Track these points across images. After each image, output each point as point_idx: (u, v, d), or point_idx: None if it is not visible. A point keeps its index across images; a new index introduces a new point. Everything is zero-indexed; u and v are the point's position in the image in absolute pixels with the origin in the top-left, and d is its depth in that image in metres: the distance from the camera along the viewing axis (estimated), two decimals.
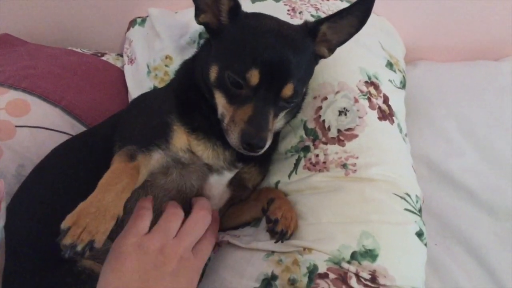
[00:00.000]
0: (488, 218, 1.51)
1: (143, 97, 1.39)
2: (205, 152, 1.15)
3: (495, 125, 1.65)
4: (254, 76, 1.01)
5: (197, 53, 1.31)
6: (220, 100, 1.09)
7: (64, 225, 0.85)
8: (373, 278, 1.06)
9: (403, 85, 1.50)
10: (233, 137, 1.04)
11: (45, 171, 1.26)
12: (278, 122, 1.17)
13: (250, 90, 1.03)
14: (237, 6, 1.12)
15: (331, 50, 1.18)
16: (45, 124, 1.45)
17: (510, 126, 1.65)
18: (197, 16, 1.14)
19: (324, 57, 1.19)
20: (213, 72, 1.08)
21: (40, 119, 1.46)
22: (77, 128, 1.51)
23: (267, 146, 1.05)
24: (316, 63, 1.20)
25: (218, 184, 1.20)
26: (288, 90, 1.05)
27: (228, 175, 1.20)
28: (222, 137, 1.10)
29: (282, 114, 1.15)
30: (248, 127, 1.02)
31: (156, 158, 1.10)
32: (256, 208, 1.25)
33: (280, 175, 1.30)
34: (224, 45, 1.10)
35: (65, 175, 1.20)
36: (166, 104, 1.19)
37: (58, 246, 0.85)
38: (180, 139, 1.14)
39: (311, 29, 1.12)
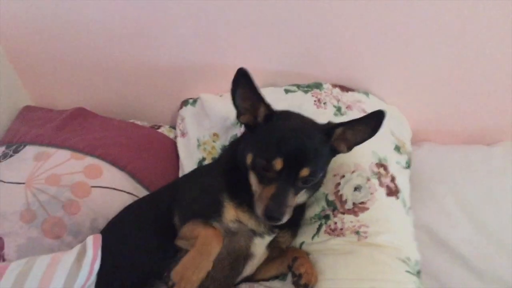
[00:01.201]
0: (479, 282, 1.70)
1: (198, 172, 1.68)
2: (250, 220, 1.40)
3: (487, 201, 1.82)
4: (278, 163, 1.27)
5: (239, 140, 1.62)
6: (253, 180, 1.35)
7: (174, 277, 1.16)
8: None
9: (408, 165, 1.76)
10: (259, 210, 1.30)
11: (119, 226, 1.54)
12: (300, 197, 1.41)
13: (275, 173, 1.28)
14: (272, 113, 1.38)
15: (349, 148, 1.40)
16: (114, 185, 1.75)
17: (500, 202, 1.82)
18: (238, 117, 1.40)
19: (342, 152, 1.41)
20: (249, 158, 1.35)
21: (110, 181, 1.75)
22: (139, 190, 1.80)
23: (285, 219, 1.28)
24: (333, 155, 1.43)
25: (261, 245, 1.45)
26: (304, 173, 1.29)
27: (268, 238, 1.45)
28: None
29: (302, 192, 1.39)
30: (271, 203, 1.26)
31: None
32: (283, 264, 1.50)
33: (305, 237, 1.57)
34: (258, 138, 1.37)
35: (136, 230, 1.48)
36: (217, 182, 1.45)
37: None
38: (230, 212, 1.39)
39: (329, 129, 1.36)
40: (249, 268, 1.47)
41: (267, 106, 1.36)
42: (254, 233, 1.43)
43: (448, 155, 2.00)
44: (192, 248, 1.25)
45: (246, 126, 1.44)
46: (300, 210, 1.52)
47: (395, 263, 1.42)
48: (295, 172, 1.29)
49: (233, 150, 1.52)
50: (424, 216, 1.82)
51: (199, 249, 1.24)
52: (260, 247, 1.46)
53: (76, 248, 1.35)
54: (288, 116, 1.44)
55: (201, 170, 1.74)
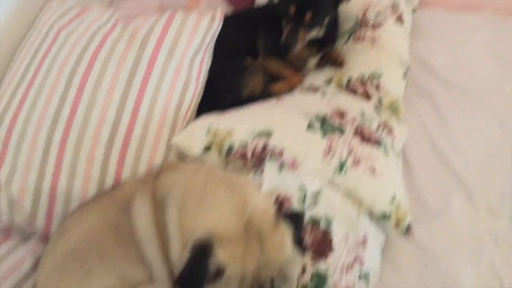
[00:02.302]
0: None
1: None
2: None
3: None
4: (291, 9, 1.75)
5: None
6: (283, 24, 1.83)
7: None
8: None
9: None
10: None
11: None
12: (316, 33, 1.84)
13: (291, 18, 1.77)
14: None
15: None
16: None
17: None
18: None
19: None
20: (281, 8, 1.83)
21: None
22: None
23: (297, 47, 1.80)
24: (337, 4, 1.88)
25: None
26: (308, 16, 1.76)
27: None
28: None
29: (316, 29, 1.83)
30: (286, 37, 1.80)
31: None
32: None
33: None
34: None
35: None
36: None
37: None
38: None
39: None
40: None
41: None
42: None
43: None
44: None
45: None
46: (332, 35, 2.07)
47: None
48: (302, 16, 1.77)
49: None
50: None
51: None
52: None
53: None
54: None
55: None
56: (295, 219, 1.27)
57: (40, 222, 1.47)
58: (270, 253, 1.16)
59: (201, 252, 1.14)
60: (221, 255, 1.13)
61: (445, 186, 1.76)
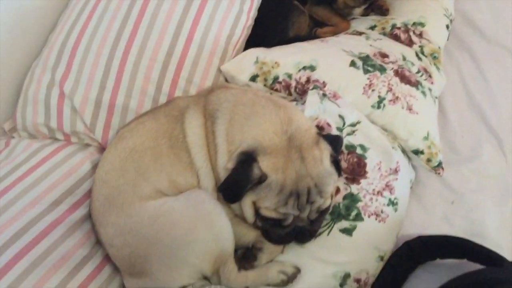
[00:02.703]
0: None
1: None
2: None
3: None
4: None
5: None
6: None
7: None
8: None
9: None
10: None
11: None
12: None
13: None
14: None
15: None
16: None
17: None
18: None
19: None
20: None
21: None
22: None
23: None
24: None
25: None
26: None
27: None
28: None
29: None
30: None
31: None
32: None
33: None
34: None
35: None
36: None
37: None
38: None
39: None
40: None
41: None
42: None
43: None
44: None
45: None
46: None
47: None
48: None
49: None
50: None
51: None
52: None
53: None
54: None
55: None
56: (335, 142, 1.36)
57: (98, 132, 1.61)
58: (308, 166, 1.27)
59: (246, 160, 1.26)
60: (264, 164, 1.24)
61: (477, 134, 1.83)
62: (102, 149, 1.59)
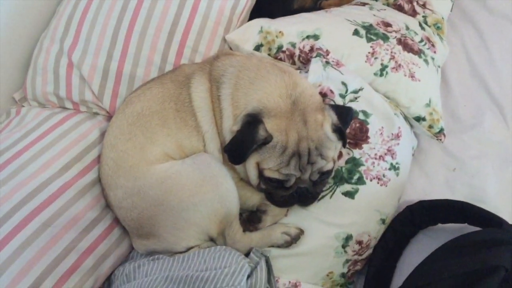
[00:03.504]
0: None
1: None
2: None
3: None
4: None
5: None
6: None
7: None
8: None
9: None
10: None
11: None
12: None
13: None
14: None
15: None
16: None
17: None
18: None
19: None
20: None
21: None
22: None
23: None
24: None
25: None
26: None
27: None
28: None
29: None
30: None
31: None
32: None
33: None
34: None
35: None
36: None
37: None
38: None
39: None
40: None
41: None
42: None
43: None
44: None
45: None
46: None
47: None
48: None
49: None
50: None
51: None
52: None
53: None
54: None
55: None
56: (344, 113, 1.39)
57: (106, 100, 1.64)
58: (309, 128, 1.30)
59: (252, 122, 1.29)
60: (269, 125, 1.27)
61: (479, 104, 1.85)
62: (110, 117, 1.62)
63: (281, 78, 1.35)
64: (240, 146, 1.29)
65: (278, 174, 1.29)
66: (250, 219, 1.44)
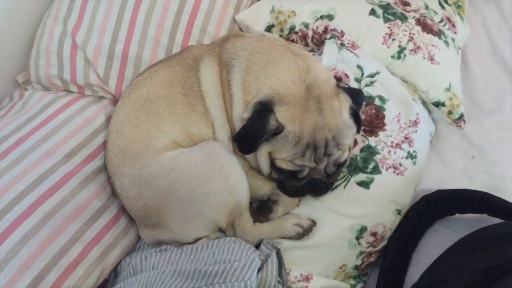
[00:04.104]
0: None
1: None
2: None
3: None
4: None
5: None
6: None
7: None
8: None
9: None
10: None
11: None
12: None
13: None
14: None
15: None
16: None
17: None
18: None
19: None
20: None
21: None
22: None
23: None
24: None
25: None
26: None
27: None
28: None
29: None
30: None
31: None
32: None
33: None
34: None
35: None
36: None
37: None
38: None
39: None
40: None
41: None
42: None
43: None
44: None
45: None
46: None
47: None
48: None
49: None
50: None
51: None
52: None
53: None
54: None
55: None
56: (355, 95, 1.32)
57: (112, 83, 1.58)
58: (326, 117, 1.23)
59: (262, 110, 1.23)
60: (281, 115, 1.21)
61: (500, 87, 1.77)
62: (116, 101, 1.56)
63: (294, 63, 1.28)
64: (250, 136, 1.23)
65: (292, 165, 1.23)
66: (261, 209, 1.39)
